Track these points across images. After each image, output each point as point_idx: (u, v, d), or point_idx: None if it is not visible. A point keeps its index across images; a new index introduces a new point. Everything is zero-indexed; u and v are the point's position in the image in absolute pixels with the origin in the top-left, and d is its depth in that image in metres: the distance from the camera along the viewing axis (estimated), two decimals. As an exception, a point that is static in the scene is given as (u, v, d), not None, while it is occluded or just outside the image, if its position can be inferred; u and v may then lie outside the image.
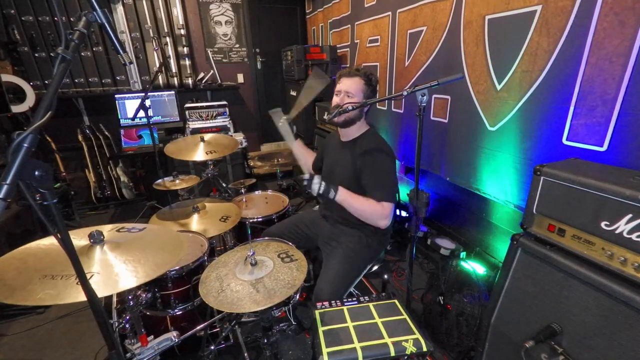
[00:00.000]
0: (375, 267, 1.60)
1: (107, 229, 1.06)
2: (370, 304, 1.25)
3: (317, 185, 1.33)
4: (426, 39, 2.10)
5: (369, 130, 1.56)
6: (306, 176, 1.34)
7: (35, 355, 1.76)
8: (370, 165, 1.44)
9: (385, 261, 1.67)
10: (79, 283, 0.72)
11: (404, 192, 2.64)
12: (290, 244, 1.37)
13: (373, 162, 1.44)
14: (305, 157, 1.83)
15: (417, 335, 1.08)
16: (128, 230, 1.09)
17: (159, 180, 2.13)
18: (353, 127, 1.53)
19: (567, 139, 1.34)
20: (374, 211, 1.39)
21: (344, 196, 1.38)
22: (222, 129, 3.43)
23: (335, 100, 1.50)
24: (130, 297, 1.27)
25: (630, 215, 0.86)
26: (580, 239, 0.99)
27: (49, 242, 0.98)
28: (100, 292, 0.81)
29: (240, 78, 4.22)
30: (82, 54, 3.25)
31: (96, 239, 0.95)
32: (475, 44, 1.72)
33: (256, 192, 2.27)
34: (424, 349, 1.05)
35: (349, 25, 3.12)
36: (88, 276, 0.74)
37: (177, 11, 3.58)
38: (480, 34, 1.68)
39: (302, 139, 3.49)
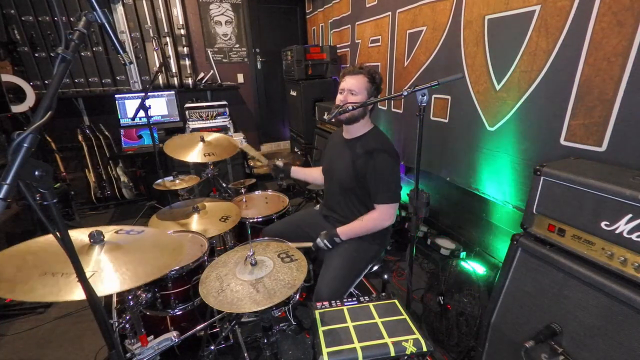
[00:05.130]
0: (375, 267, 1.60)
1: (106, 231, 1.06)
2: (370, 304, 1.25)
3: (322, 244, 1.50)
4: (426, 39, 2.10)
5: (373, 129, 1.56)
6: (311, 245, 1.52)
7: (35, 355, 1.76)
8: (374, 166, 1.45)
9: (385, 261, 1.67)
10: (79, 282, 0.72)
11: (404, 192, 2.63)
12: (290, 244, 1.36)
13: (376, 162, 1.45)
14: (306, 174, 1.92)
15: (417, 335, 1.08)
16: (126, 233, 1.09)
17: (159, 180, 2.12)
18: (357, 125, 1.53)
19: (564, 140, 1.34)
20: (376, 220, 1.50)
21: (347, 234, 1.51)
22: (222, 129, 3.43)
23: (339, 98, 1.51)
24: (130, 297, 1.27)
25: (630, 215, 0.86)
26: (580, 239, 0.99)
27: (49, 241, 0.98)
28: (100, 291, 0.81)
29: (240, 78, 4.22)
30: (82, 54, 3.24)
31: (96, 239, 0.95)
32: (475, 44, 1.72)
33: (256, 192, 2.27)
34: (424, 349, 1.05)
35: (350, 25, 3.12)
36: (88, 275, 0.74)
37: (177, 11, 3.59)
38: (480, 34, 1.68)
39: (302, 139, 3.52)
